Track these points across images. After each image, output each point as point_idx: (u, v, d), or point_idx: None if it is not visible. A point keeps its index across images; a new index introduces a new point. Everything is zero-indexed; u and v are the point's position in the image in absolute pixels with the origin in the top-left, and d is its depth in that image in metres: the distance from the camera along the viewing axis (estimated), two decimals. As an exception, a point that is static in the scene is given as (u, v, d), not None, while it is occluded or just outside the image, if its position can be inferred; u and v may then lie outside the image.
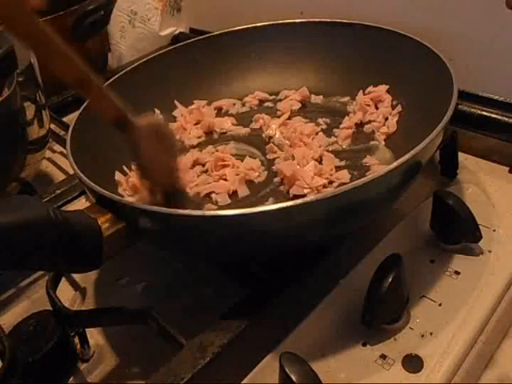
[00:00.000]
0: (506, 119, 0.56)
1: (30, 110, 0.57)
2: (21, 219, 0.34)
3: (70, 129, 0.51)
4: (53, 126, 0.69)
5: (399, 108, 0.57)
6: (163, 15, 0.89)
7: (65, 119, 0.75)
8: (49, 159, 0.72)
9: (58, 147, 0.73)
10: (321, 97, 0.64)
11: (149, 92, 0.63)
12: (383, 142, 0.55)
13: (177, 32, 0.91)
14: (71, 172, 0.67)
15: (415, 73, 0.55)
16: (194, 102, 0.65)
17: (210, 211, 0.46)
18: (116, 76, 0.60)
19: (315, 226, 0.40)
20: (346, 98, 0.62)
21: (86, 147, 0.51)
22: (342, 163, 0.53)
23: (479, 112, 0.57)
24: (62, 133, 0.72)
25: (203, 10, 0.93)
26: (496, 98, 0.58)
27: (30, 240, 0.35)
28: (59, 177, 0.68)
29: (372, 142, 0.55)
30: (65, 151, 0.70)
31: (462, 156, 0.56)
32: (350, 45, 0.62)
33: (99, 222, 0.39)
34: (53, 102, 0.75)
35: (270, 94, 0.66)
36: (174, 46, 0.68)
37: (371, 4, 0.69)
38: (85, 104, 0.54)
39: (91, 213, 0.40)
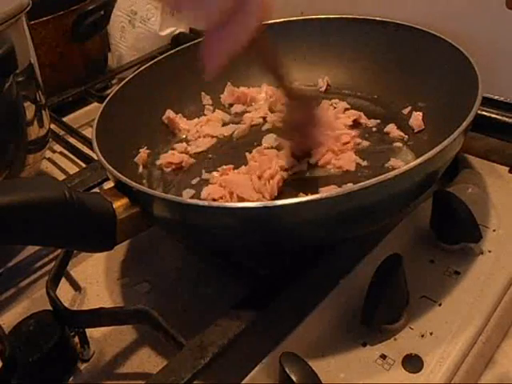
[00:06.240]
0: (506, 119, 0.56)
1: (29, 110, 0.57)
2: (35, 197, 0.35)
3: (97, 115, 0.53)
4: (53, 126, 0.69)
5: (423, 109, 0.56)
6: (163, 15, 0.88)
7: (65, 119, 0.75)
8: (49, 159, 0.72)
9: (57, 147, 0.73)
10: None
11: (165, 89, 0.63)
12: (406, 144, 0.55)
13: (177, 32, 0.91)
14: (71, 172, 0.67)
15: (443, 75, 0.54)
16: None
17: (219, 203, 0.46)
18: (137, 71, 0.62)
19: (323, 224, 0.40)
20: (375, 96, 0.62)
21: (109, 133, 0.52)
22: (365, 163, 0.52)
23: (479, 112, 0.57)
24: (61, 133, 0.72)
25: (203, 10, 0.93)
26: (496, 97, 0.58)
27: (43, 218, 0.36)
28: (59, 177, 0.68)
29: (395, 144, 0.55)
30: (65, 151, 0.71)
31: (462, 156, 0.56)
32: (379, 43, 0.62)
33: (114, 206, 0.41)
34: (53, 102, 0.75)
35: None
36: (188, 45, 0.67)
37: (371, 4, 0.69)
38: (111, 95, 0.57)
39: (108, 196, 0.42)
